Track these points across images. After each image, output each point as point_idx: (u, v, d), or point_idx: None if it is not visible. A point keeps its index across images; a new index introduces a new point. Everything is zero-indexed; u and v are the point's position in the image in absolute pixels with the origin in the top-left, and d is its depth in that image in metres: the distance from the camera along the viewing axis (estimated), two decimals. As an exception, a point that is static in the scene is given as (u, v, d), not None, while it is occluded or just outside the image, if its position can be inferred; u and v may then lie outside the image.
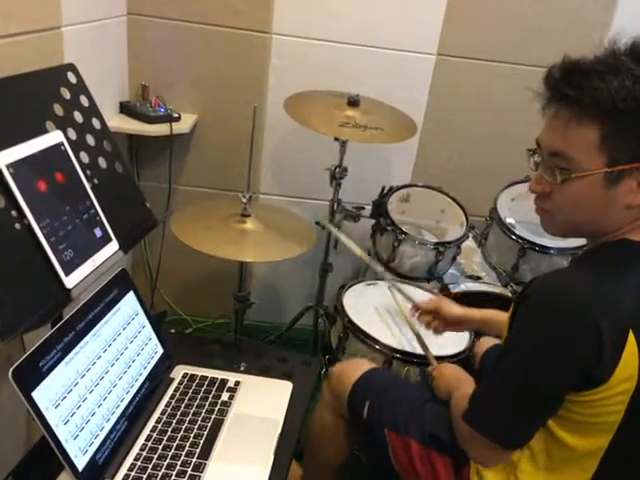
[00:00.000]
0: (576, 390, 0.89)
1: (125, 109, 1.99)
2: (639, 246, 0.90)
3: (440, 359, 1.45)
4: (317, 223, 1.90)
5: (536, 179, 0.94)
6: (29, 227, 0.93)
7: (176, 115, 1.99)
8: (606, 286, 0.87)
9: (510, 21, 2.00)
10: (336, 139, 1.85)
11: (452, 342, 1.58)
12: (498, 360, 0.96)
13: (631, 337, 0.85)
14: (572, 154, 0.87)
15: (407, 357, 1.53)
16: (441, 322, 1.42)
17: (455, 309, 1.40)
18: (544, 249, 1.79)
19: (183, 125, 2.01)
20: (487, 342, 1.54)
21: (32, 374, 0.82)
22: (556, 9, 1.97)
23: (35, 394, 0.81)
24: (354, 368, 1.32)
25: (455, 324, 1.42)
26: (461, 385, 1.14)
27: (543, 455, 0.97)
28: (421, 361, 1.51)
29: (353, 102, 1.79)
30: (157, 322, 1.17)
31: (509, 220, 1.86)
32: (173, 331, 1.31)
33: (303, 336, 2.26)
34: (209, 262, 1.38)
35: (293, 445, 1.03)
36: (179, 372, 1.16)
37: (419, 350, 1.51)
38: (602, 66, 0.84)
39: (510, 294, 1.85)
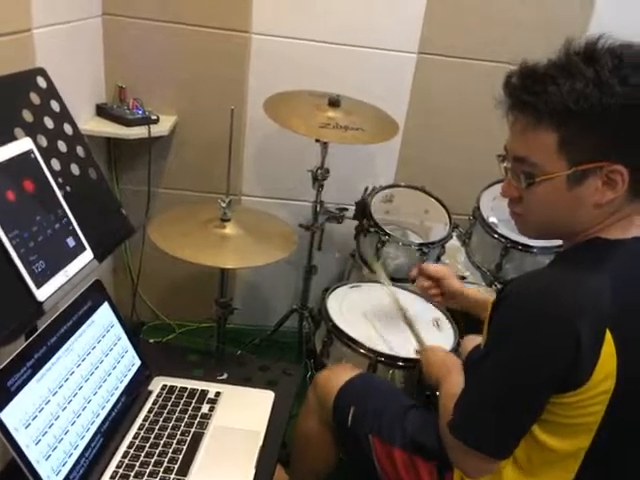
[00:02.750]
0: (557, 393, 0.88)
1: (102, 112, 1.95)
2: (612, 244, 0.90)
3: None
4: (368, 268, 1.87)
5: (506, 184, 0.96)
6: (-4, 239, 0.90)
7: (154, 117, 1.95)
8: (581, 287, 0.87)
9: (490, 18, 1.99)
10: (317, 140, 1.83)
11: (440, 341, 1.56)
12: (478, 366, 0.96)
13: (608, 336, 0.84)
14: (533, 159, 0.89)
15: (392, 361, 1.51)
16: (439, 291, 1.44)
17: (455, 283, 1.42)
18: (527, 248, 1.78)
19: (162, 127, 1.97)
20: (471, 342, 1.53)
21: (-1, 394, 0.79)
22: (536, 6, 1.97)
23: (3, 415, 0.78)
24: (339, 374, 1.31)
25: (450, 297, 1.44)
26: (449, 374, 1.14)
27: (524, 458, 0.97)
28: (406, 364, 1.49)
29: (334, 102, 1.76)
30: (134, 333, 1.14)
31: (492, 219, 1.86)
32: (152, 341, 1.28)
33: (289, 339, 2.24)
34: (191, 266, 1.36)
35: (275, 458, 1.01)
36: (158, 384, 1.13)
37: (404, 353, 1.49)
38: (555, 70, 0.85)
39: (495, 293, 1.84)
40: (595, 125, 0.83)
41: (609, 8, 1.97)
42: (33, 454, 0.81)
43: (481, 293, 1.41)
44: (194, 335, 2.30)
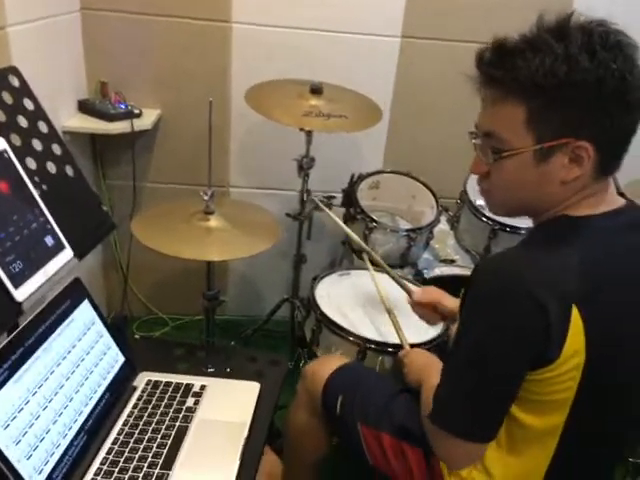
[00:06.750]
0: (530, 370, 0.88)
1: (84, 107, 1.94)
2: (578, 221, 0.90)
3: (416, 346, 1.44)
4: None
5: (475, 161, 0.96)
6: (-29, 241, 0.90)
7: (137, 111, 1.94)
8: (544, 264, 0.86)
9: (473, -1, 1.97)
10: (302, 129, 1.81)
11: (427, 328, 1.57)
12: (451, 352, 0.96)
13: (575, 312, 0.84)
14: (501, 134, 0.89)
15: (381, 347, 1.51)
16: (437, 315, 1.43)
17: (451, 303, 1.40)
18: (515, 229, 1.78)
19: (145, 121, 1.96)
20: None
21: (-24, 397, 0.79)
22: (519, -16, 1.95)
23: (-20, 417, 0.78)
24: (327, 365, 1.31)
25: (451, 317, 1.42)
26: (431, 375, 1.13)
27: (504, 436, 0.97)
28: (395, 350, 1.50)
29: (316, 90, 1.75)
30: (118, 328, 1.14)
31: (479, 202, 1.85)
32: (137, 336, 1.28)
33: (281, 329, 2.24)
34: (180, 259, 1.36)
35: (260, 448, 1.01)
36: (143, 379, 1.14)
37: (392, 339, 1.49)
38: (525, 44, 0.84)
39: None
40: (562, 101, 0.83)
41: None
42: (13, 454, 0.81)
43: None
44: (187, 328, 2.31)
